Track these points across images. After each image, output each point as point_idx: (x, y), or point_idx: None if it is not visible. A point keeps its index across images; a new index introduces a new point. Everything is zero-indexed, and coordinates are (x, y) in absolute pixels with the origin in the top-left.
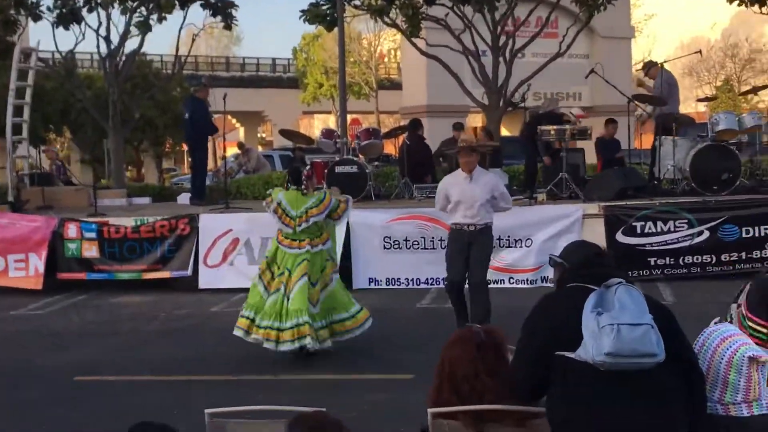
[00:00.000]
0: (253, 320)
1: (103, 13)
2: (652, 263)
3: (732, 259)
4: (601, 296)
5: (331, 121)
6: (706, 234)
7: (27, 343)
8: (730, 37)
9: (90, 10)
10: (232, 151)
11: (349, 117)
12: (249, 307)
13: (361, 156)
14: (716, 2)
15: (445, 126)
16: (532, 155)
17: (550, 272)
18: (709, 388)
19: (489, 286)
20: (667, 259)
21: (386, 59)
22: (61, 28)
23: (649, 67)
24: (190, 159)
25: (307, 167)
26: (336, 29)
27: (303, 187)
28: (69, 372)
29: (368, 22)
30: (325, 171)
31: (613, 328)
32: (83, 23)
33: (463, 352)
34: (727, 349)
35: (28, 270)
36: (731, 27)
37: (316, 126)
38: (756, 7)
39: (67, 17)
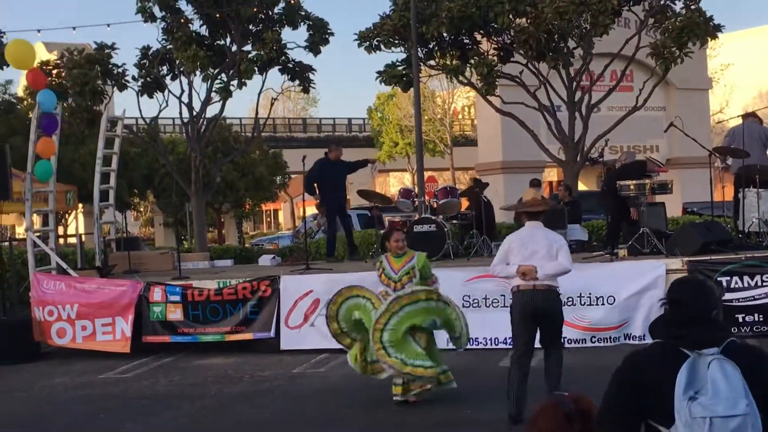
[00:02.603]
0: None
1: (185, 80)
2: (740, 320)
3: None
4: (692, 370)
5: (407, 179)
6: None
7: (116, 407)
8: None
9: (173, 78)
10: (311, 211)
11: (425, 174)
12: None
13: (439, 215)
14: None
15: (521, 181)
16: (615, 210)
17: (633, 329)
18: None
19: (570, 345)
20: (756, 315)
21: (460, 116)
22: (145, 96)
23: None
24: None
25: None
26: (411, 89)
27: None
28: None
29: (442, 80)
30: (403, 235)
31: (705, 421)
32: (166, 90)
33: (552, 423)
34: None
35: (115, 334)
36: None
37: (391, 184)
38: None
39: (151, 85)
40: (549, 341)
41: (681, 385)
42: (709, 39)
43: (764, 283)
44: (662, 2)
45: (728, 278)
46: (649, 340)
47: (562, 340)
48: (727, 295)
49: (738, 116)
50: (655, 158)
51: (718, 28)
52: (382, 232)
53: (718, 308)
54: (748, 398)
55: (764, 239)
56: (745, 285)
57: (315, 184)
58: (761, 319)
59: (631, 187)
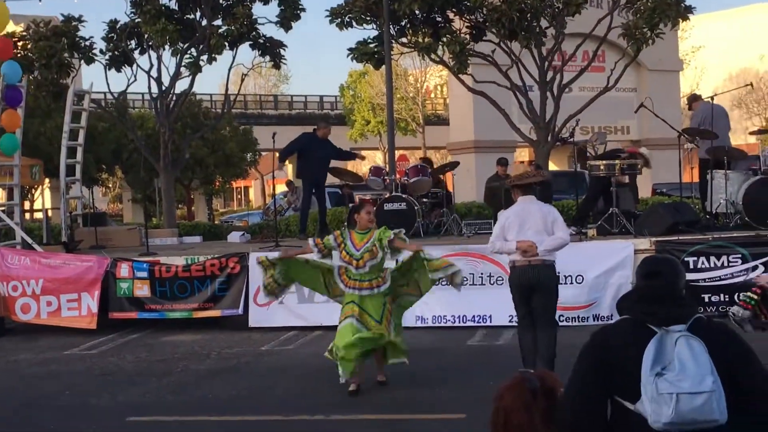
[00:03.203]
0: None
1: (154, 54)
2: (706, 300)
3: None
4: (660, 347)
5: (378, 158)
6: (761, 269)
7: (80, 383)
8: None
9: (142, 52)
10: (281, 189)
11: (396, 153)
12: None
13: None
14: (764, 33)
15: (492, 161)
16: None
17: (601, 309)
18: None
19: None
20: (722, 295)
21: (433, 95)
22: (113, 70)
23: (693, 100)
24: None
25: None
26: (383, 66)
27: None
28: (122, 412)
29: (414, 58)
30: (374, 208)
31: (672, 397)
32: (135, 65)
33: (518, 399)
34: None
35: (80, 310)
36: None
37: (362, 162)
38: None
39: (119, 59)
40: (541, 315)
41: (648, 362)
42: (680, 20)
43: (731, 264)
44: None
45: (695, 258)
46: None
47: (556, 318)
48: (694, 275)
49: (708, 98)
50: (644, 150)
51: (689, 9)
52: (350, 205)
53: (686, 286)
54: (714, 375)
55: (731, 220)
56: (712, 265)
57: (291, 160)
58: (727, 299)
59: (601, 167)
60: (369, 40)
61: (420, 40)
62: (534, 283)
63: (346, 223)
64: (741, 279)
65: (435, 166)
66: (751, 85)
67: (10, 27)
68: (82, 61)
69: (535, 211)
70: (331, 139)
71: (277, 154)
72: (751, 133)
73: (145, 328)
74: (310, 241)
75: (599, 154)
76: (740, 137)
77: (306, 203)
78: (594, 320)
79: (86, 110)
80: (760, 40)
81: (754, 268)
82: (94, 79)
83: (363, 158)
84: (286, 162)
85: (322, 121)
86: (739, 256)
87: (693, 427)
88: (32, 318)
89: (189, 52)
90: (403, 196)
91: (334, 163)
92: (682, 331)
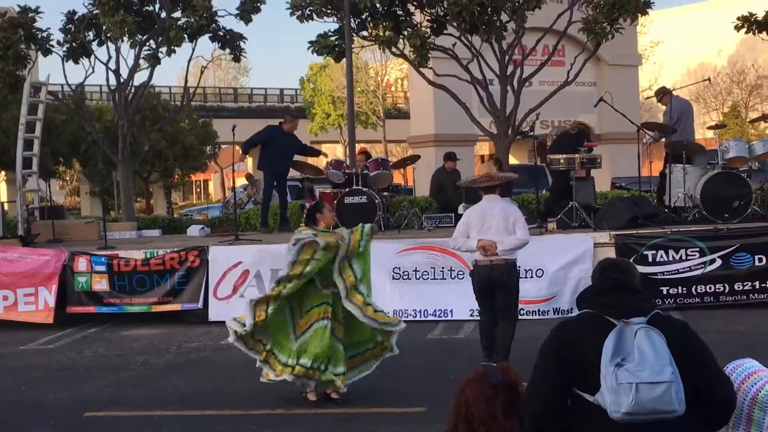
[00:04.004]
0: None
1: (112, 46)
2: (664, 292)
3: (745, 288)
4: (619, 338)
5: (339, 151)
6: (719, 262)
7: (37, 378)
8: (737, 63)
9: (100, 44)
10: (241, 182)
11: (357, 146)
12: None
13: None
14: (722, 29)
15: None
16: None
17: (561, 303)
18: (733, 425)
19: None
20: (679, 288)
21: (393, 88)
22: (71, 62)
23: (663, 94)
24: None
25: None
26: (344, 60)
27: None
28: (79, 407)
29: (375, 52)
30: (335, 202)
31: (631, 386)
32: (93, 57)
33: (480, 392)
34: (752, 386)
35: (38, 304)
36: (737, 53)
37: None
38: (764, 34)
39: (77, 51)
40: (501, 311)
41: (608, 353)
42: (639, 15)
43: (689, 257)
44: None
45: (654, 252)
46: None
47: (517, 313)
48: (653, 269)
49: (671, 90)
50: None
51: (648, 4)
52: (308, 205)
53: (641, 285)
54: (673, 366)
55: (689, 214)
56: (670, 258)
57: (253, 153)
58: (684, 292)
59: (561, 161)
60: (330, 33)
61: (381, 33)
62: (495, 282)
63: (304, 223)
64: (699, 272)
65: (368, 161)
66: (709, 80)
67: None
68: (39, 53)
69: (498, 211)
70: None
71: (237, 147)
72: (709, 128)
73: (103, 323)
74: (342, 232)
75: (570, 134)
76: (698, 132)
77: (267, 196)
78: (554, 314)
79: (43, 102)
80: (718, 36)
81: (712, 261)
82: (51, 70)
83: (326, 155)
84: (247, 155)
85: (289, 115)
86: (697, 249)
87: (652, 417)
88: None
89: (148, 44)
90: (364, 189)
91: (294, 156)
92: (641, 324)
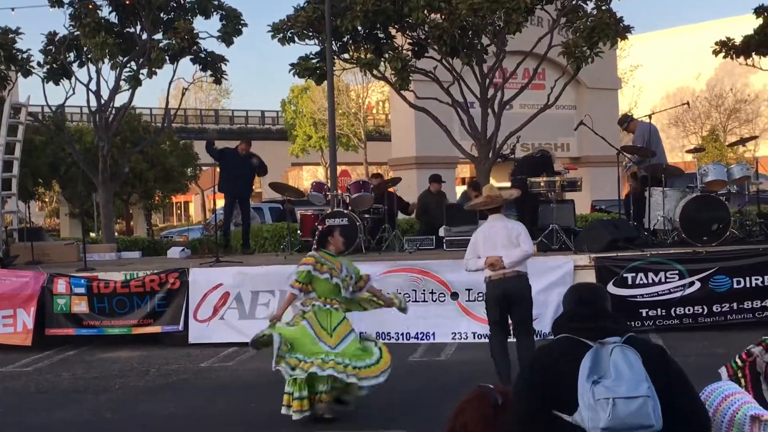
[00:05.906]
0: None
1: (93, 67)
2: (644, 314)
3: (724, 309)
4: (596, 357)
5: (320, 173)
6: (697, 285)
7: (16, 402)
8: (715, 87)
9: (80, 65)
10: (222, 203)
11: (338, 168)
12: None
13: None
14: (701, 53)
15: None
16: (526, 204)
17: (543, 326)
18: None
19: (480, 340)
20: (659, 310)
21: (375, 110)
22: (51, 83)
23: (627, 121)
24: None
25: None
26: (325, 82)
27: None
28: (59, 430)
29: (356, 74)
30: (316, 224)
31: (608, 402)
32: (73, 78)
33: (479, 413)
34: (729, 407)
35: (16, 326)
36: (716, 77)
37: (304, 177)
38: (741, 59)
39: (58, 72)
40: (519, 326)
41: (585, 371)
42: (619, 39)
43: (668, 280)
44: (574, 2)
45: (633, 274)
46: None
47: (534, 328)
48: (632, 291)
49: (645, 116)
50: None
51: (628, 29)
52: (321, 228)
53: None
54: (649, 382)
55: (669, 237)
56: (650, 281)
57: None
58: (664, 314)
59: (542, 183)
60: (311, 56)
61: (362, 56)
62: (510, 294)
63: (315, 246)
64: (678, 295)
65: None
66: (688, 104)
67: None
68: (19, 74)
69: (501, 229)
70: (273, 154)
71: (218, 169)
72: (688, 152)
73: (82, 345)
74: (290, 289)
75: (535, 156)
76: (677, 155)
77: (227, 218)
78: (536, 336)
79: (23, 123)
80: (697, 60)
81: (691, 283)
82: (31, 91)
83: (265, 173)
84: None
85: (245, 140)
86: (677, 272)
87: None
88: None
89: (129, 65)
90: (345, 211)
91: (275, 178)
92: (617, 343)
